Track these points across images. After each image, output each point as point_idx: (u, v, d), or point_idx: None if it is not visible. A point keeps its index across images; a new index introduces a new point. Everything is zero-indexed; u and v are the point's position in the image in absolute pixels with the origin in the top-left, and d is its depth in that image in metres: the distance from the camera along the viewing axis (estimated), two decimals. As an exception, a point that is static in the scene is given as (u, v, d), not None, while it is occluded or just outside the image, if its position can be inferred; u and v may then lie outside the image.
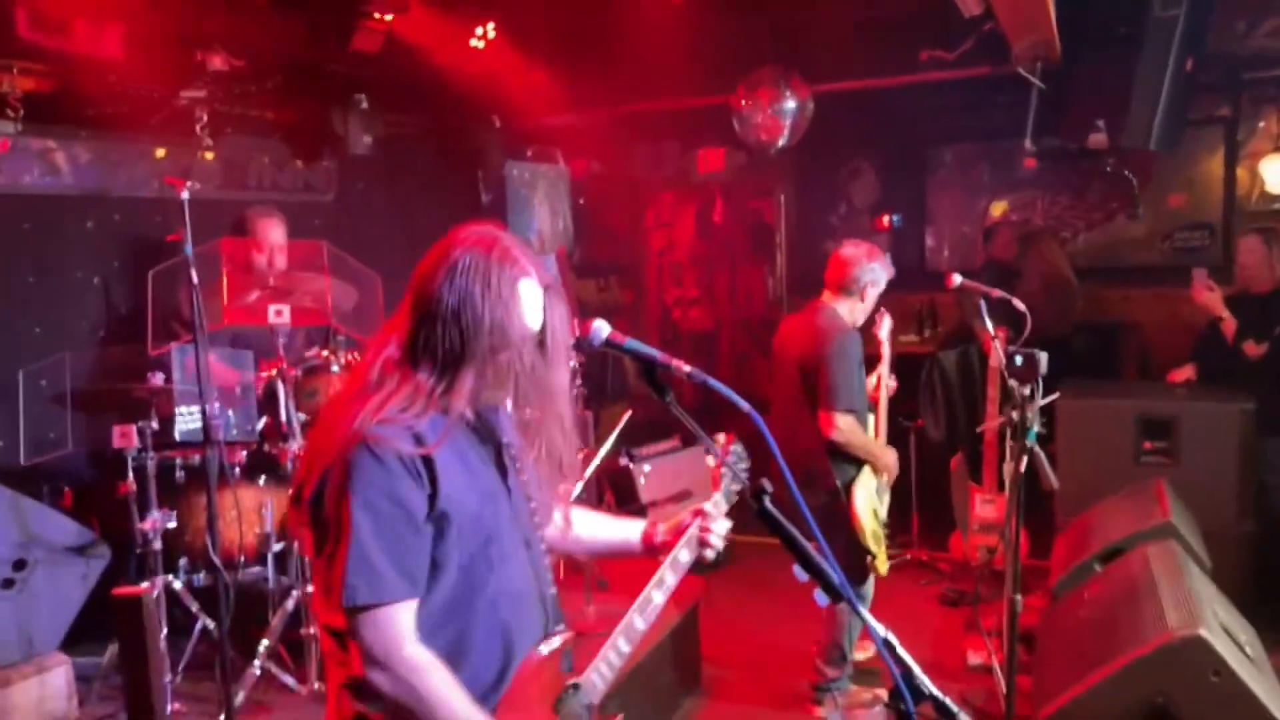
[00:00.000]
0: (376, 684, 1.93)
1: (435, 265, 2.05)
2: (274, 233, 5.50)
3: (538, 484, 2.25)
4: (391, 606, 1.92)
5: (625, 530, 2.54)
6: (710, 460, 2.48)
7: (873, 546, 4.67)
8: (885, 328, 5.14)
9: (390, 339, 2.07)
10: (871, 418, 4.96)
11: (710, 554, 2.42)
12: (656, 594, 2.34)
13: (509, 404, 2.16)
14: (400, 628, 1.94)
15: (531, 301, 2.06)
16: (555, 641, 2.19)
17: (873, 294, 4.82)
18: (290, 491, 2.10)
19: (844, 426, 4.58)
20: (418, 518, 1.94)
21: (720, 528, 2.43)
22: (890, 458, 4.83)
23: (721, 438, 2.54)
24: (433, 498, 1.96)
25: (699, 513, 2.43)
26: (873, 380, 5.04)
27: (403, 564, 1.93)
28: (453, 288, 2.00)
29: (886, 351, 5.12)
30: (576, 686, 2.21)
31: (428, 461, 1.96)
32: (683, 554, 2.38)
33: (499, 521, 2.09)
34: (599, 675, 2.25)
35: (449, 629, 2.02)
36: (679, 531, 2.42)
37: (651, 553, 2.46)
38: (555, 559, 2.39)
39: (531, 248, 2.19)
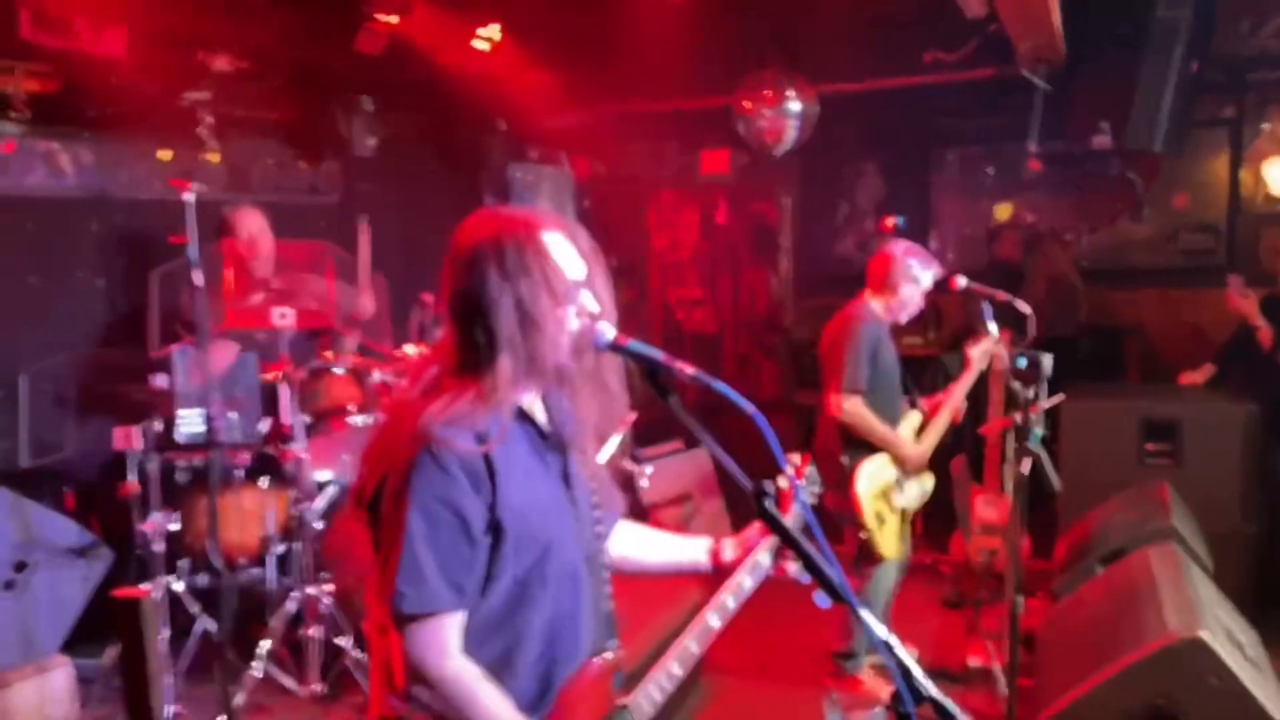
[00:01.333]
0: (418, 696, 1.93)
1: (451, 270, 2.03)
2: (255, 223, 5.33)
3: (599, 486, 2.22)
4: (437, 618, 1.91)
5: (689, 549, 2.47)
6: (783, 481, 2.32)
7: (872, 525, 4.71)
8: (978, 349, 5.09)
9: (444, 350, 2.06)
10: (915, 419, 5.03)
11: (793, 569, 2.29)
12: (714, 619, 2.29)
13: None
14: (443, 641, 1.92)
15: (562, 252, 2.04)
16: (607, 660, 2.15)
17: (910, 290, 4.91)
18: (353, 490, 2.06)
19: (848, 408, 4.71)
20: (474, 528, 1.92)
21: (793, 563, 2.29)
22: (909, 450, 4.87)
23: (797, 458, 2.46)
24: (491, 507, 1.94)
25: (767, 532, 2.33)
26: (942, 399, 5.11)
27: (453, 574, 1.91)
28: (470, 283, 1.99)
29: (968, 375, 5.11)
30: (624, 708, 2.16)
31: (489, 467, 1.93)
32: (746, 581, 2.33)
33: (559, 536, 2.05)
34: (647, 698, 2.19)
35: (495, 643, 1.99)
36: (746, 548, 2.36)
37: (721, 573, 2.37)
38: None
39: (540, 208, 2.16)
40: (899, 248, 4.99)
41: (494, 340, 1.96)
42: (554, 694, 2.05)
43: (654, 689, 2.20)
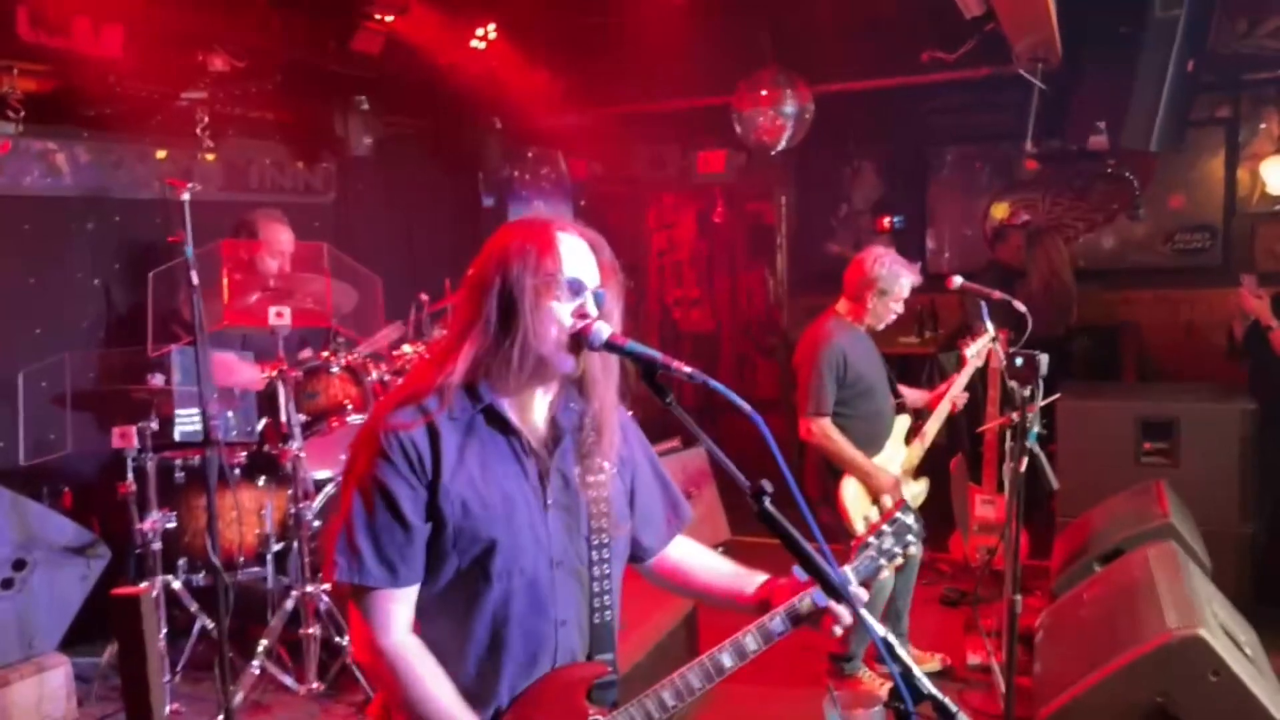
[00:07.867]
0: (362, 665, 2.03)
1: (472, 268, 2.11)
2: (285, 237, 5.46)
3: (609, 496, 2.16)
4: (376, 593, 1.99)
5: (741, 582, 2.38)
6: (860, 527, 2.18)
7: (860, 530, 4.69)
8: (974, 347, 5.04)
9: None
10: (904, 423, 5.00)
11: (838, 630, 2.17)
12: (727, 658, 2.17)
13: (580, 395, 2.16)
14: (385, 616, 2.00)
15: (573, 253, 2.09)
16: (590, 670, 2.12)
17: (880, 301, 4.82)
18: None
19: (815, 430, 4.73)
20: (407, 514, 1.98)
21: (844, 614, 2.12)
22: (877, 475, 4.73)
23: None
24: (432, 495, 1.98)
25: (811, 584, 2.16)
26: (943, 390, 5.08)
27: (384, 553, 1.98)
28: (475, 273, 2.07)
29: (965, 371, 5.08)
30: None
31: (435, 451, 1.99)
32: (776, 623, 2.20)
33: (511, 538, 2.02)
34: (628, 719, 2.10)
35: (441, 624, 2.04)
36: (794, 591, 2.21)
37: (760, 613, 2.23)
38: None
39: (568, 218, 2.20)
40: (868, 254, 4.87)
41: (476, 319, 2.03)
42: (505, 693, 2.04)
43: (638, 713, 2.09)
